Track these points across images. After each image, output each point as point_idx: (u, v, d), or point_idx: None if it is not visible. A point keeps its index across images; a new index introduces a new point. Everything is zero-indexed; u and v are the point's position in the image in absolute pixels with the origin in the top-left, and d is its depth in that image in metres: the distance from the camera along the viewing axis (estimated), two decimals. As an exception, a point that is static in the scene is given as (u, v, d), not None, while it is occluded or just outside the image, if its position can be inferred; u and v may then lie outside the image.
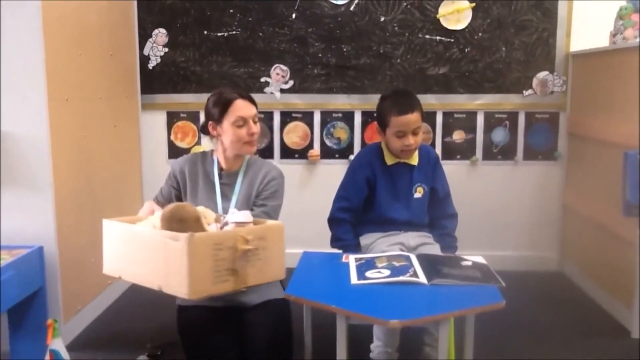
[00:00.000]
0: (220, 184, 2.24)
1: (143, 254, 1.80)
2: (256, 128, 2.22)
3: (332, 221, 2.52)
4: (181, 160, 2.31)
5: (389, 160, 2.47)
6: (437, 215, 2.54)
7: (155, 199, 2.28)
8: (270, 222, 2.01)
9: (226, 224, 1.94)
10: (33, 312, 2.41)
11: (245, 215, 1.95)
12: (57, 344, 1.90)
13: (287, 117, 3.67)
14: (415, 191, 2.48)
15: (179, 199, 2.26)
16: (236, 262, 1.77)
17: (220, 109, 2.20)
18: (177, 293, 1.73)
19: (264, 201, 2.22)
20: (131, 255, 1.85)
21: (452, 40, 3.53)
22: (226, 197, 2.22)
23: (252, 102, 2.24)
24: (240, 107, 2.18)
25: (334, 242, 2.50)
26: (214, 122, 2.23)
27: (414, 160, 2.49)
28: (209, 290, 1.75)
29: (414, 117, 2.36)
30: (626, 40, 3.06)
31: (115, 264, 1.92)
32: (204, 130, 2.30)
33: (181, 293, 1.70)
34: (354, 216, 2.50)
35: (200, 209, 1.96)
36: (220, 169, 2.27)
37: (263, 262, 1.85)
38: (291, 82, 3.60)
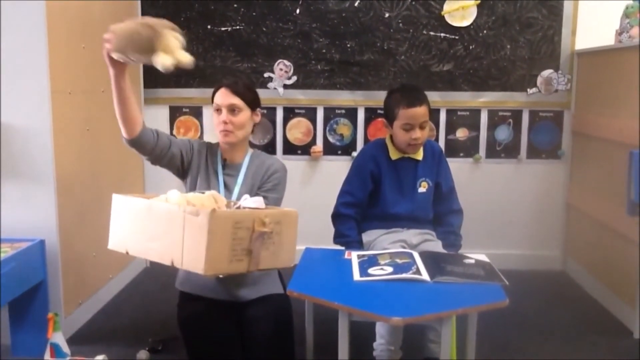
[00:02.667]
0: (224, 174, 2.24)
1: (156, 228, 1.77)
2: (229, 118, 2.16)
3: (336, 217, 2.51)
4: (199, 143, 2.29)
5: (394, 155, 2.47)
6: (442, 211, 2.53)
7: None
8: (286, 208, 2.01)
9: (239, 208, 1.94)
10: (34, 305, 2.40)
11: (258, 202, 1.96)
12: (58, 338, 1.89)
13: (290, 112, 3.66)
14: (420, 186, 2.47)
15: (178, 169, 2.22)
16: (252, 243, 1.77)
17: (212, 94, 2.24)
18: (191, 268, 1.70)
19: (266, 193, 2.21)
20: (142, 230, 1.82)
21: (456, 37, 3.52)
22: (228, 189, 2.22)
23: (239, 93, 2.19)
24: (220, 95, 2.20)
25: (337, 238, 2.49)
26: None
27: (419, 155, 2.48)
28: (224, 268, 1.75)
29: (422, 110, 2.36)
30: (632, 38, 3.05)
31: (122, 239, 1.89)
32: None
33: (196, 268, 1.67)
34: (358, 212, 2.49)
35: (213, 192, 1.95)
36: (224, 160, 2.27)
37: (276, 246, 1.86)
38: (294, 78, 3.59)
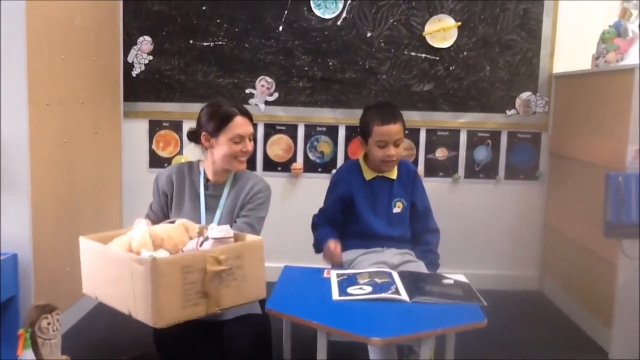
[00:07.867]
0: (206, 195, 2.21)
1: (113, 275, 1.73)
2: (251, 146, 2.21)
3: (314, 226, 2.55)
4: (167, 171, 2.28)
5: (368, 175, 2.49)
6: (419, 230, 2.54)
7: (146, 216, 2.22)
8: (248, 238, 1.94)
9: (207, 238, 1.89)
10: (5, 320, 2.34)
11: (225, 231, 1.88)
12: (28, 355, 1.85)
13: (271, 129, 3.65)
14: (395, 206, 2.49)
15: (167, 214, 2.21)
16: (207, 284, 1.70)
17: (218, 122, 2.17)
18: (143, 319, 1.64)
19: (248, 212, 2.19)
20: (104, 276, 1.78)
21: (437, 58, 3.55)
22: (211, 209, 2.19)
23: (250, 118, 2.23)
24: (240, 125, 2.17)
25: (316, 244, 2.48)
26: (208, 134, 2.19)
27: (393, 174, 2.50)
28: (178, 316, 1.68)
29: (396, 128, 2.39)
30: (608, 63, 3.11)
31: (92, 284, 1.86)
32: (192, 137, 2.27)
33: (147, 320, 1.62)
34: (334, 225, 2.50)
35: (184, 221, 1.92)
36: (207, 180, 2.24)
37: (239, 282, 1.78)
38: (276, 94, 3.59)
